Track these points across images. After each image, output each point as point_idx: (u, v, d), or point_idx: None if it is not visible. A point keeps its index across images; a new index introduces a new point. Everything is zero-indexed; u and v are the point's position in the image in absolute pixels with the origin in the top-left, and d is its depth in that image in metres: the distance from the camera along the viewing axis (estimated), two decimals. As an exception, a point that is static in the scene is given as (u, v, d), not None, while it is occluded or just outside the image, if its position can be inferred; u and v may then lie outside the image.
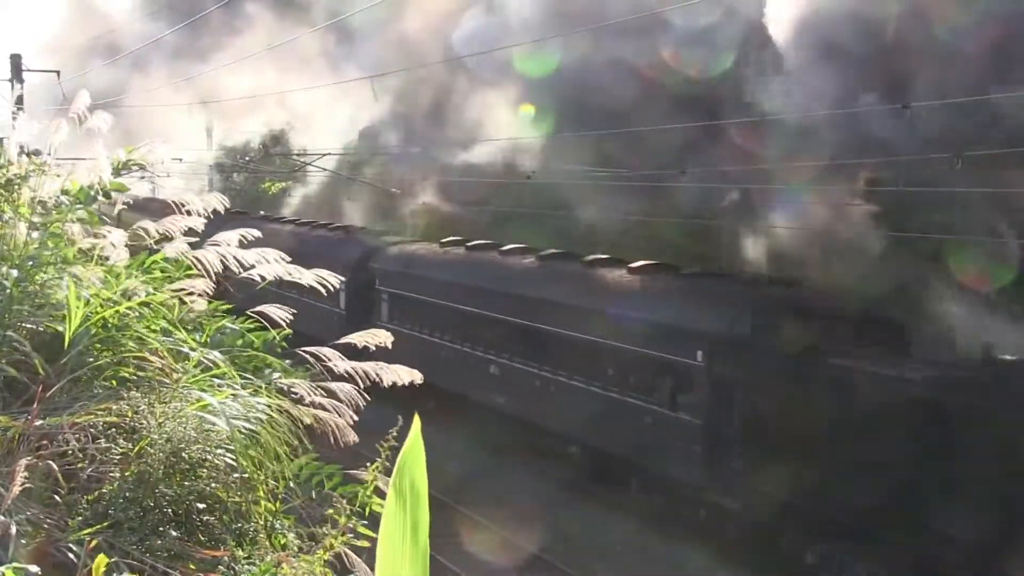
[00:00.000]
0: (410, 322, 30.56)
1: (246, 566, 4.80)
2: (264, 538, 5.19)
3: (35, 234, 6.80)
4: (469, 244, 30.65)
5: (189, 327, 6.74)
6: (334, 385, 6.57)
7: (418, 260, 31.91)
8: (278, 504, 5.72)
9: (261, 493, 5.42)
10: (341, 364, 6.68)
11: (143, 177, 8.29)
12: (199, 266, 7.09)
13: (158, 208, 8.62)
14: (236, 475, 5.29)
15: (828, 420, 17.19)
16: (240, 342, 6.84)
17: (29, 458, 4.93)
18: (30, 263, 6.30)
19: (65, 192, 7.18)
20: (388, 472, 5.84)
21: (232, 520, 5.25)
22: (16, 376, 5.54)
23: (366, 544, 5.52)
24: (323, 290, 7.41)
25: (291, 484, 5.92)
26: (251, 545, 5.03)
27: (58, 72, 30.81)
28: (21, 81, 27.61)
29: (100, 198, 7.32)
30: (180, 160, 37.11)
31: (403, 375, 6.74)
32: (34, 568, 4.16)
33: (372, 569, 5.12)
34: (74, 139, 7.65)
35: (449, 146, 32.10)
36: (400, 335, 25.67)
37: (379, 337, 6.99)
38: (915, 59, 17.15)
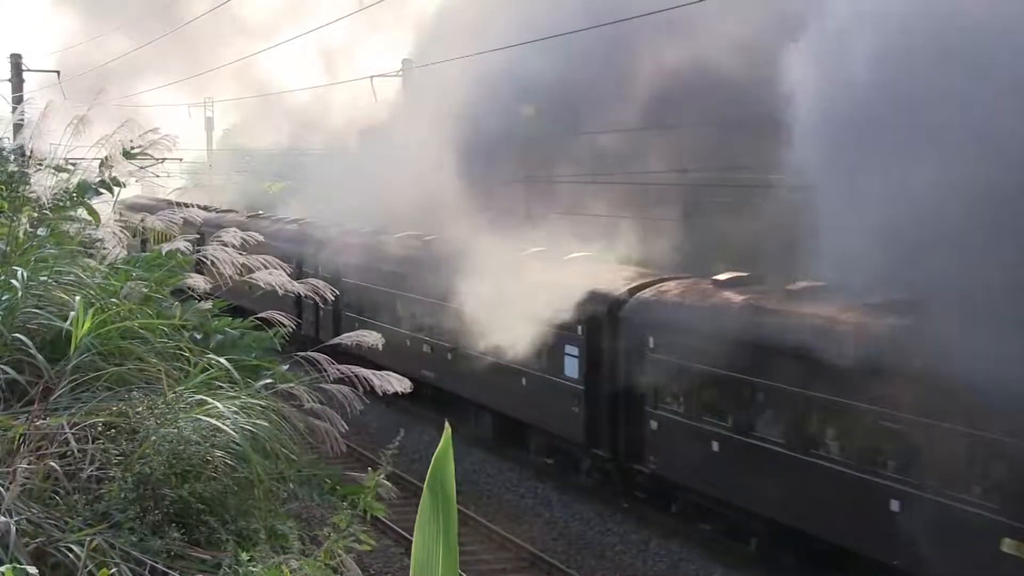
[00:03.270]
0: None
1: (250, 568, 4.77)
2: (264, 538, 5.17)
3: (33, 228, 6.79)
4: None
5: (190, 327, 6.75)
6: (332, 387, 6.61)
7: None
8: (278, 505, 5.72)
9: (261, 495, 5.41)
10: (334, 369, 6.75)
11: (144, 178, 8.27)
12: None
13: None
14: (237, 475, 5.28)
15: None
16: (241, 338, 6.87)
17: (30, 458, 4.92)
18: (33, 260, 6.30)
19: (64, 188, 7.18)
20: (389, 478, 5.90)
21: (232, 521, 5.23)
22: (19, 380, 5.53)
23: (367, 548, 5.53)
24: None
25: (291, 485, 5.92)
26: (252, 546, 5.01)
27: (58, 72, 30.85)
28: (21, 82, 27.66)
29: (101, 190, 7.32)
30: (180, 160, 37.09)
31: (394, 384, 6.88)
32: (32, 570, 4.13)
33: (365, 570, 5.14)
34: (75, 136, 7.64)
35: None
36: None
37: (369, 338, 7.18)
38: None
